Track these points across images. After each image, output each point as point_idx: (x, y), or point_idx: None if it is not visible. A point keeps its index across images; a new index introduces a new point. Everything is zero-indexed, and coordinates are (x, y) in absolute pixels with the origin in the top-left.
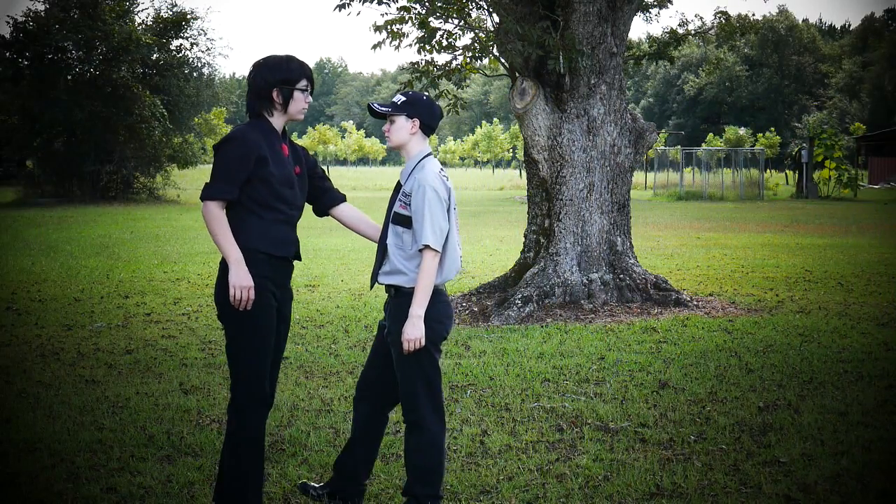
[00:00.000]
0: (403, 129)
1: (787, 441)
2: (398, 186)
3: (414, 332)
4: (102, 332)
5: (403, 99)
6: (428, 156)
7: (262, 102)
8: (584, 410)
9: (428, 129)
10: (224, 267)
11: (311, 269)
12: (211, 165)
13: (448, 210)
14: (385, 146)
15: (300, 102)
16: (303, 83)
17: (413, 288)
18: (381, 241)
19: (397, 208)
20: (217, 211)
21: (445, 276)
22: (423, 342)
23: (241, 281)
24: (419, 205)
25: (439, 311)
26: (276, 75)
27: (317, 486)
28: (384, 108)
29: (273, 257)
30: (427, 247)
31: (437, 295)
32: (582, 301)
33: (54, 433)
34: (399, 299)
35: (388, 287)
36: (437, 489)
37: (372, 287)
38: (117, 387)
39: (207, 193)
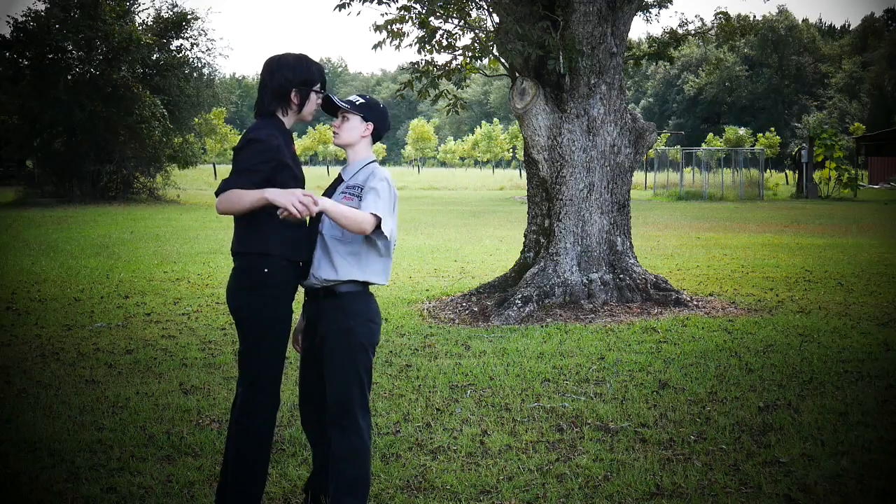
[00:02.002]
0: (356, 129)
1: (787, 441)
2: (338, 181)
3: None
4: (102, 332)
5: (362, 101)
6: (374, 162)
7: (280, 102)
8: (584, 410)
9: (377, 136)
10: (243, 273)
11: None
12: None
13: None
14: (334, 141)
15: (313, 104)
16: (318, 85)
17: (347, 287)
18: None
19: (340, 200)
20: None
21: (382, 280)
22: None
23: (290, 194)
24: (378, 188)
25: (373, 310)
26: (297, 75)
27: None
28: (343, 104)
29: (292, 262)
30: (374, 215)
31: (370, 296)
32: (582, 301)
33: (54, 433)
34: (333, 300)
35: (317, 289)
36: (365, 500)
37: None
38: (117, 387)
39: (223, 188)
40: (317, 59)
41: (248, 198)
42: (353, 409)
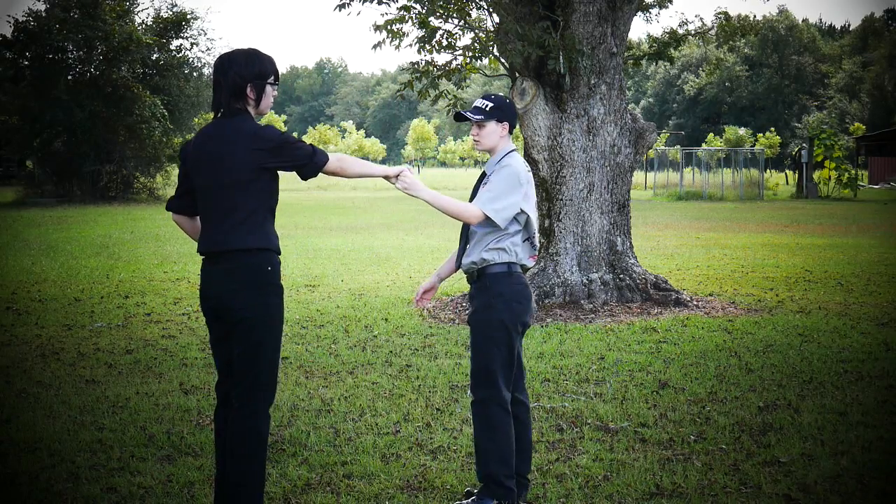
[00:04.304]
0: (495, 132)
1: (787, 441)
2: (482, 176)
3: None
4: (102, 332)
5: (491, 104)
6: (514, 151)
7: (237, 98)
8: (584, 410)
9: (512, 129)
10: (245, 272)
11: (311, 269)
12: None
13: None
14: (475, 148)
15: (270, 97)
16: (272, 77)
17: (497, 267)
18: (464, 227)
19: (481, 191)
20: None
21: (521, 258)
22: (412, 188)
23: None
24: (497, 179)
25: (517, 291)
26: (250, 70)
27: None
28: (476, 117)
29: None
30: (481, 210)
31: (516, 276)
32: (582, 301)
33: (54, 433)
34: (482, 281)
35: (471, 270)
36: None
37: (456, 270)
38: (117, 387)
39: (318, 151)
40: (317, 60)
41: (375, 168)
42: (495, 381)
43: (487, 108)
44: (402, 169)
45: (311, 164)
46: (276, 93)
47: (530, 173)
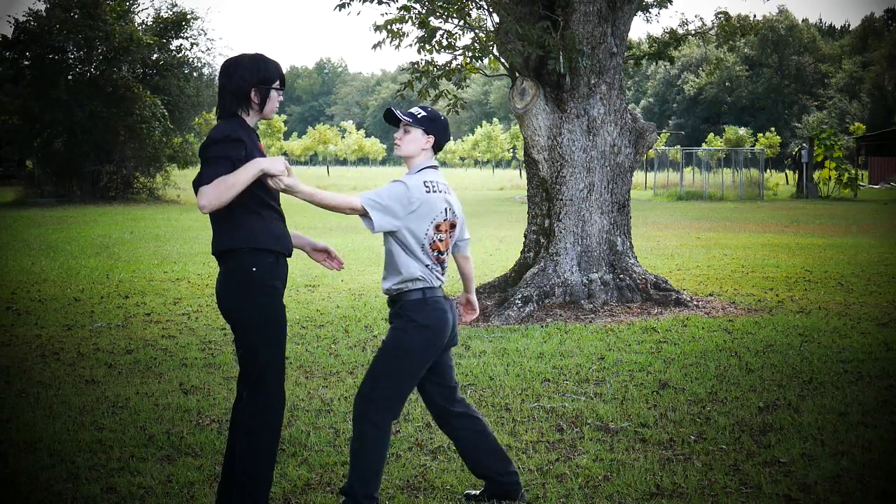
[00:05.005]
0: (417, 142)
1: (787, 441)
2: None
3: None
4: (102, 332)
5: (424, 114)
6: (430, 169)
7: (240, 103)
8: (584, 410)
9: (437, 147)
10: (230, 274)
11: (311, 269)
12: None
13: (432, 220)
14: (395, 153)
15: (275, 102)
16: (277, 82)
17: (399, 291)
18: None
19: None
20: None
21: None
22: (293, 187)
23: (278, 161)
24: (386, 184)
25: (430, 316)
26: (255, 75)
27: None
28: (405, 118)
29: (279, 254)
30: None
31: (433, 301)
32: (582, 301)
33: (54, 433)
34: (392, 307)
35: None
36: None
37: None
38: (117, 387)
39: (203, 181)
40: (317, 60)
41: (243, 175)
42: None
43: (419, 116)
44: (279, 163)
45: (198, 187)
46: (281, 98)
47: (434, 193)
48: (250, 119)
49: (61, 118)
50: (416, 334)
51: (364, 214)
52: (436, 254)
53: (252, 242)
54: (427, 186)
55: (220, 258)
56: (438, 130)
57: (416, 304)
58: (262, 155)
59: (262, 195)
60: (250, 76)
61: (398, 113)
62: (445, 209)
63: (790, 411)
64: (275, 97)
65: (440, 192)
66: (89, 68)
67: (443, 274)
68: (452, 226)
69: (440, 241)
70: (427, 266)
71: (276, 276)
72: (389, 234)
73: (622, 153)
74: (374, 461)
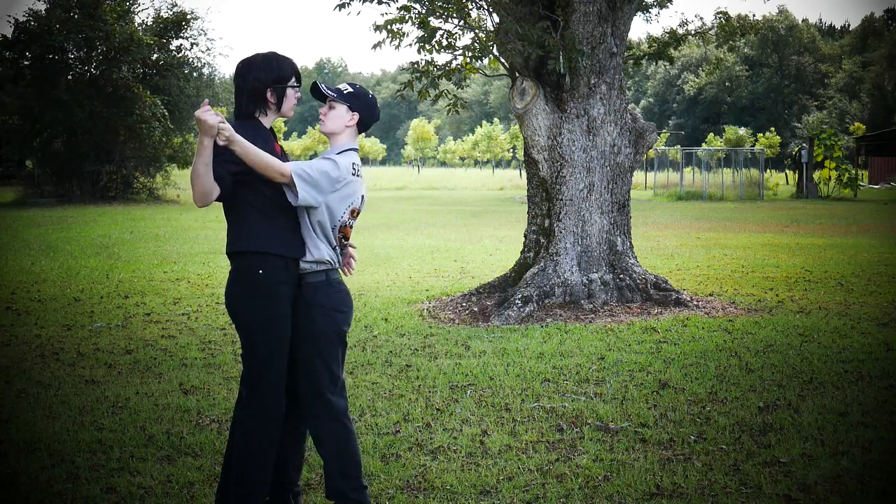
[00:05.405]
0: (342, 118)
1: (787, 441)
2: None
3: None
4: (102, 332)
5: (350, 90)
6: (351, 150)
7: (257, 104)
8: (584, 410)
9: (363, 126)
10: (238, 275)
11: None
12: None
13: (342, 202)
14: (319, 129)
15: (292, 99)
16: (293, 79)
17: (304, 272)
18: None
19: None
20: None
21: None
22: (232, 138)
23: (215, 115)
24: (319, 160)
25: (335, 299)
26: (270, 74)
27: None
28: (330, 92)
29: (289, 260)
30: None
31: (337, 284)
32: (582, 301)
33: (54, 433)
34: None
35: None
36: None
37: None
38: (117, 387)
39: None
40: (317, 60)
41: (200, 156)
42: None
43: (345, 92)
44: (209, 113)
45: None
46: (298, 94)
47: (357, 177)
48: (268, 119)
49: (61, 118)
50: (328, 319)
51: (290, 184)
52: (341, 237)
53: (260, 245)
54: (353, 169)
55: (231, 259)
56: (364, 108)
57: (320, 287)
58: (279, 156)
59: (275, 197)
60: (265, 76)
61: (323, 87)
62: (362, 196)
63: (790, 411)
64: (291, 95)
65: (360, 177)
66: (89, 68)
67: (338, 261)
68: (358, 214)
69: (350, 226)
70: (334, 248)
71: (283, 280)
72: (305, 212)
73: (622, 153)
74: (352, 452)
